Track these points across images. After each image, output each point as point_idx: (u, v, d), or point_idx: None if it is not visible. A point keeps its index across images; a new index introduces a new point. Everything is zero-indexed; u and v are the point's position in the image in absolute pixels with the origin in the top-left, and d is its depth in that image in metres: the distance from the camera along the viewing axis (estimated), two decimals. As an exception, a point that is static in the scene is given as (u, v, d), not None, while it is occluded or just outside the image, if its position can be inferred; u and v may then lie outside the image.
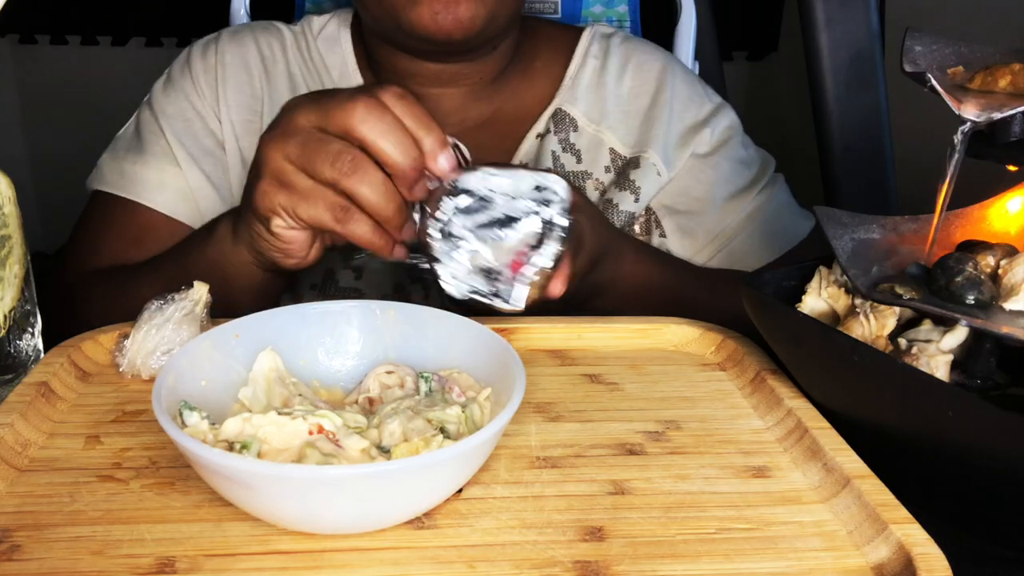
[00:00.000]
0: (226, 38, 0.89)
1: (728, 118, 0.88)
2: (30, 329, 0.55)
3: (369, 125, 0.54)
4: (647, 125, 0.86)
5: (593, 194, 0.85)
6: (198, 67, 0.87)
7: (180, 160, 0.82)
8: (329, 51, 0.88)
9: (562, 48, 0.89)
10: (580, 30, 0.91)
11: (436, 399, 0.47)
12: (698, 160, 0.86)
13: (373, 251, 0.56)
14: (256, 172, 0.58)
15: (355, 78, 0.87)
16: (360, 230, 0.56)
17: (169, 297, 0.55)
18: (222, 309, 0.57)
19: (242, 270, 0.65)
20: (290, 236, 0.58)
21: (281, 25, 0.91)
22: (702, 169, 0.86)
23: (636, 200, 0.84)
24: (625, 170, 0.85)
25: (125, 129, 0.88)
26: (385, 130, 0.54)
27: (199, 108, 0.85)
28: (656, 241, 0.86)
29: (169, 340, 0.53)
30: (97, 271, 0.79)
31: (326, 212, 0.55)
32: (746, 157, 0.88)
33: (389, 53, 0.83)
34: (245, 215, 0.61)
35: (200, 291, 0.55)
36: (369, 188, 0.54)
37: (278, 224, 0.58)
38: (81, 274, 0.80)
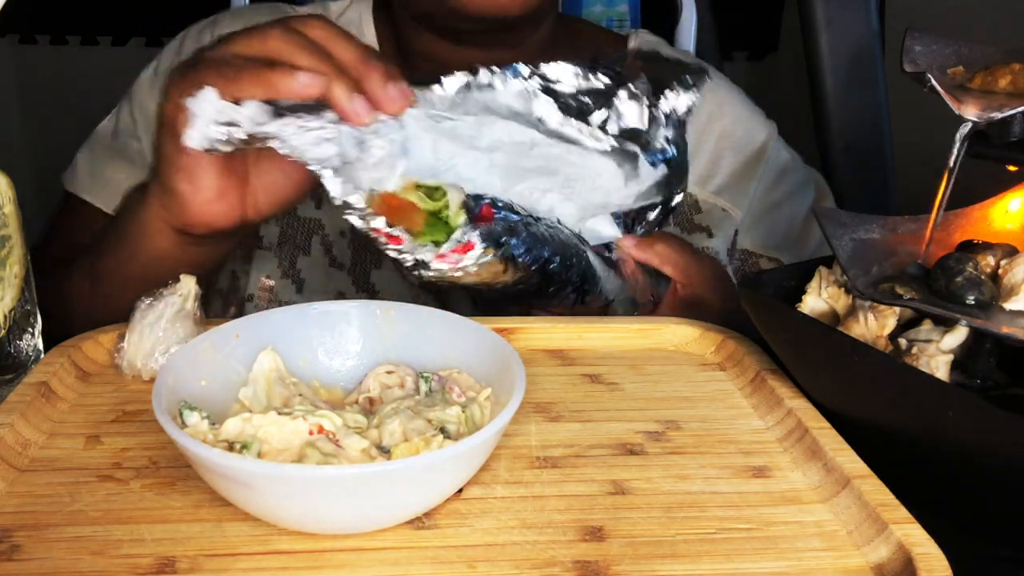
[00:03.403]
0: (226, 22, 0.83)
1: (779, 150, 0.86)
2: (30, 329, 0.55)
3: (293, 42, 0.52)
4: (705, 157, 0.83)
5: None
6: None
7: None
8: None
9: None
10: (625, 38, 0.88)
11: (436, 399, 0.47)
12: (772, 206, 0.85)
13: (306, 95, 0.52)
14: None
15: None
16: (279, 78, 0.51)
17: (158, 293, 0.54)
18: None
19: (155, 236, 0.60)
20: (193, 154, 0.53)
21: (288, 8, 0.85)
22: (779, 210, 0.85)
23: (710, 236, 0.82)
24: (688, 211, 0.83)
25: (106, 122, 0.82)
26: (305, 45, 0.52)
27: None
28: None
29: (165, 339, 0.53)
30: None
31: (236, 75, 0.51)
32: (803, 181, 0.87)
33: (426, 40, 0.77)
34: (158, 134, 0.57)
35: (188, 285, 0.54)
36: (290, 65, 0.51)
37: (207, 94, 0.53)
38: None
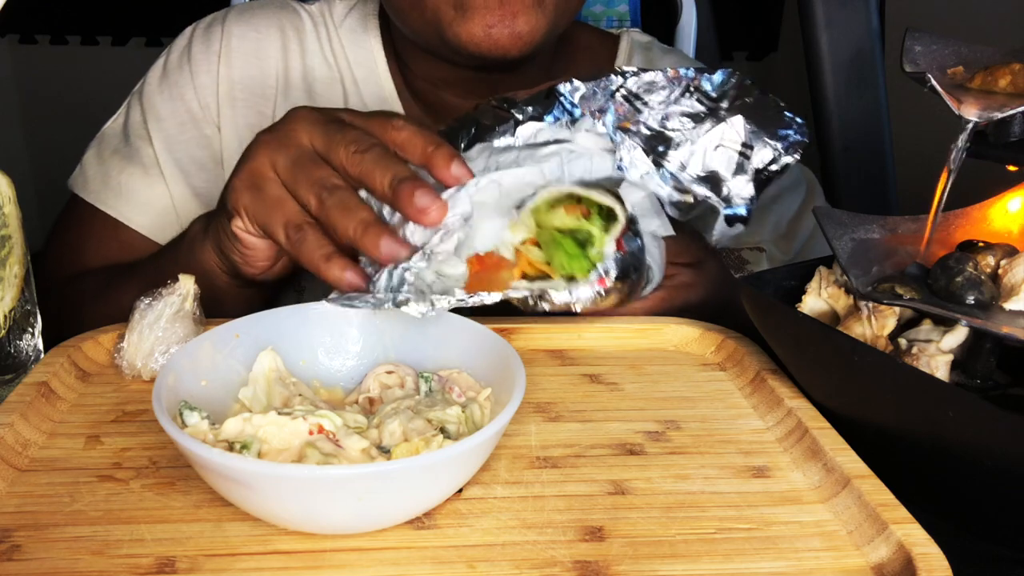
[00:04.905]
0: (234, 17, 0.81)
1: None
2: (30, 329, 0.55)
3: (365, 162, 0.51)
4: None
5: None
6: (199, 58, 0.79)
7: (167, 176, 0.76)
8: (354, 44, 0.81)
9: (601, 59, 0.85)
10: (616, 37, 0.88)
11: (436, 399, 0.47)
12: (760, 203, 0.84)
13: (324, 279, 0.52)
14: (238, 166, 0.56)
15: (384, 84, 0.80)
16: (307, 254, 0.52)
17: (157, 293, 0.54)
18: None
19: (210, 275, 0.62)
20: (248, 240, 0.57)
21: (297, 5, 0.83)
22: (767, 208, 0.84)
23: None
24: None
25: (113, 122, 0.81)
26: (379, 159, 0.51)
27: (195, 111, 0.78)
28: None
29: (165, 339, 0.52)
30: (78, 275, 0.75)
31: (280, 227, 0.53)
32: (794, 180, 0.87)
33: (423, 60, 0.77)
34: (217, 207, 0.59)
35: (187, 285, 0.54)
36: (341, 213, 0.51)
37: (237, 224, 0.56)
38: (61, 278, 0.76)
